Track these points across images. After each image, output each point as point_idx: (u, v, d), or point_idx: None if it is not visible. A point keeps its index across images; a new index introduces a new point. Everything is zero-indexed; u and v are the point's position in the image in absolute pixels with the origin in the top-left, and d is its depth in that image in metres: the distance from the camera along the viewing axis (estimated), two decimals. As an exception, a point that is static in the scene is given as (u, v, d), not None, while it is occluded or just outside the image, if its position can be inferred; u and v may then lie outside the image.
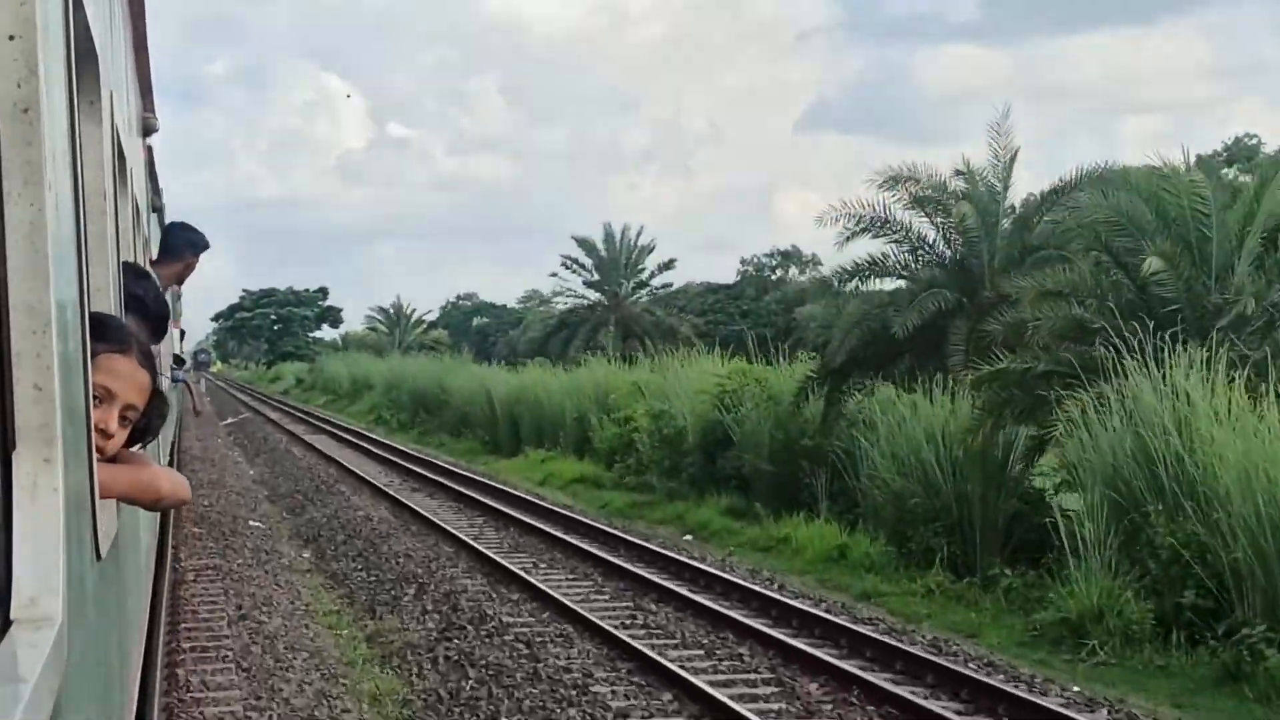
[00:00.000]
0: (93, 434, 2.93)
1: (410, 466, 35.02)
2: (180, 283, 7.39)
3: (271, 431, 51.84)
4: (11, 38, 2.14)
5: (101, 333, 3.20)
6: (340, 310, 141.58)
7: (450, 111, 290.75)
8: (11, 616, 2.06)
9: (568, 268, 77.76)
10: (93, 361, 3.05)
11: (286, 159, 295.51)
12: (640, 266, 79.44)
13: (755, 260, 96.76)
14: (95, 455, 2.92)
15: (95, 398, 3.08)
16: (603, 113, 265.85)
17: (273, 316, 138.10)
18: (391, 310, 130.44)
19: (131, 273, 5.92)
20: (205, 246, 7.56)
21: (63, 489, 2.20)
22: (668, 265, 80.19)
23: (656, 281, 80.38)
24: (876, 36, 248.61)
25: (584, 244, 77.63)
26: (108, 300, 4.18)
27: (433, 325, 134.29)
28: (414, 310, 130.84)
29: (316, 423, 56.81)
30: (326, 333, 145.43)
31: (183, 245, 7.50)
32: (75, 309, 2.58)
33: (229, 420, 59.14)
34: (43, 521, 2.15)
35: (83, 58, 3.37)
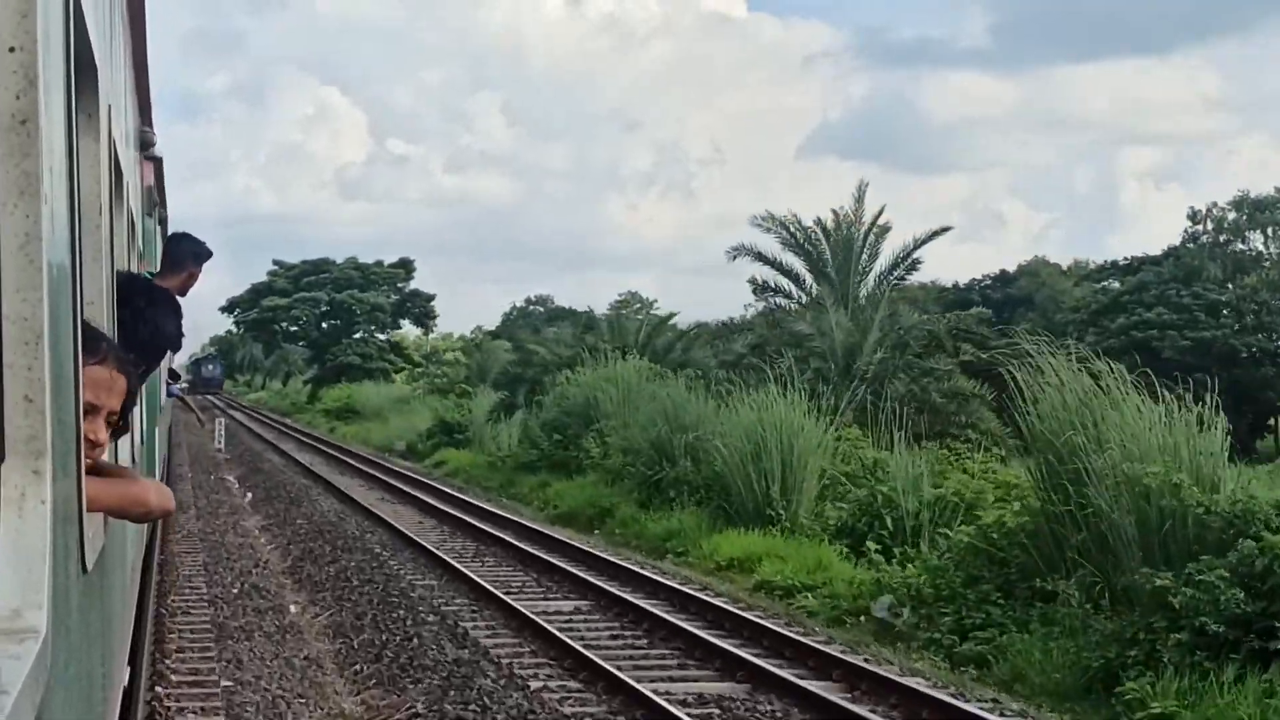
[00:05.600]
0: (83, 446, 2.93)
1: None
2: (184, 294, 7.39)
3: None
4: (12, 49, 2.14)
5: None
6: (432, 299, 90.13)
7: (450, 129, 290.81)
8: (-5, 628, 2.06)
9: None
10: None
11: (284, 173, 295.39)
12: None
13: (1214, 214, 54.29)
14: (84, 468, 2.91)
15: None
16: (605, 133, 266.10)
17: (324, 306, 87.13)
18: (842, 218, 36.65)
19: (160, 301, 5.91)
20: (208, 256, 7.58)
21: (50, 501, 2.20)
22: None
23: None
24: (883, 62, 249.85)
25: None
26: (101, 313, 4.18)
27: (494, 336, 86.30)
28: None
29: None
30: (409, 333, 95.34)
31: (186, 256, 7.52)
32: (68, 322, 2.58)
33: None
34: (29, 533, 2.15)
35: (82, 71, 3.38)
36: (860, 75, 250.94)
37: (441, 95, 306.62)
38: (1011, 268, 73.11)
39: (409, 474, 37.23)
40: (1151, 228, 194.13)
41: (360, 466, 39.38)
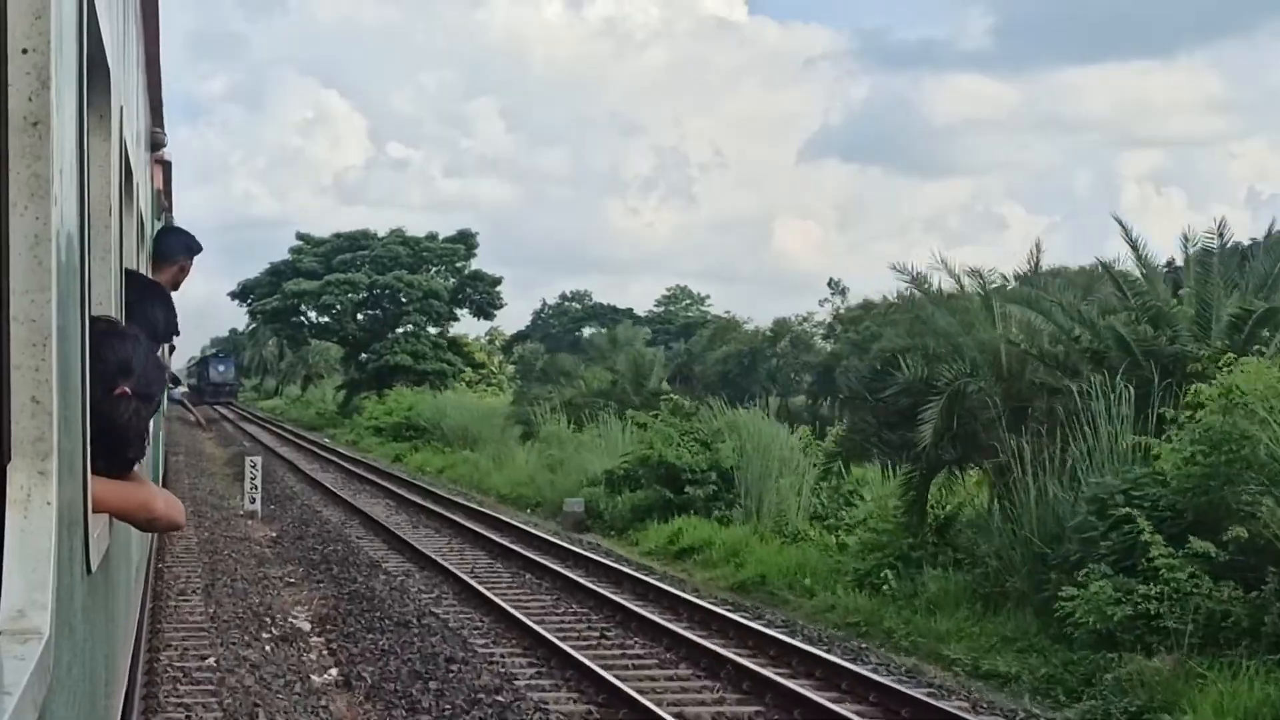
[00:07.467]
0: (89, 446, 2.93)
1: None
2: (176, 287, 7.40)
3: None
4: (25, 51, 2.15)
5: None
6: (499, 283, 68.82)
7: (450, 133, 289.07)
8: (-1, 628, 2.06)
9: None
10: None
11: (283, 177, 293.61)
12: None
13: None
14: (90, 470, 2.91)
15: None
16: (605, 137, 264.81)
17: (363, 293, 67.41)
18: None
19: (149, 294, 5.93)
20: (198, 249, 7.59)
21: (56, 502, 2.19)
22: None
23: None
24: (884, 64, 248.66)
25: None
26: (108, 314, 4.18)
27: (523, 337, 79.09)
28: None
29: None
30: (469, 325, 75.58)
31: (177, 249, 7.52)
32: (76, 323, 2.58)
33: None
34: (35, 534, 2.15)
35: (95, 72, 3.38)
36: (861, 78, 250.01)
37: (441, 99, 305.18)
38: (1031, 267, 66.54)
39: (734, 618, 15.86)
40: (1152, 232, 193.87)
41: (616, 597, 17.43)
